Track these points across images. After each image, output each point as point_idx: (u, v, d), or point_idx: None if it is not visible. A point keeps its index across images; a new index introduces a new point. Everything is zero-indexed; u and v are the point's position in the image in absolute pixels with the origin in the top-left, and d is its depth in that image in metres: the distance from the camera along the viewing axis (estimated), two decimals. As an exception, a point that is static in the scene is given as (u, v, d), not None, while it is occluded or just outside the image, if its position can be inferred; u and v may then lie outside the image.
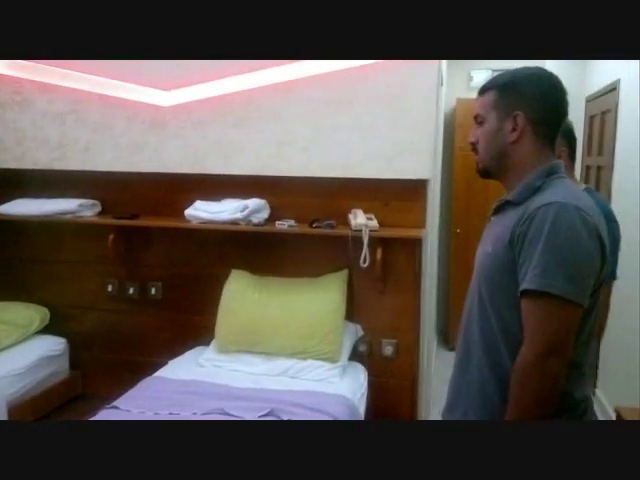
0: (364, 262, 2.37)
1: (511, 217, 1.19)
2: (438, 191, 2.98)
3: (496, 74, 1.31)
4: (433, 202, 2.69)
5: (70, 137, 2.70)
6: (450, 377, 1.35)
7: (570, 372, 1.12)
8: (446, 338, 4.34)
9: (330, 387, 2.26)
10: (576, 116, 3.95)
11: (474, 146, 1.31)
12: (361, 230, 2.35)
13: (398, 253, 2.51)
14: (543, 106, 1.23)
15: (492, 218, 1.32)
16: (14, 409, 2.42)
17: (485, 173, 1.31)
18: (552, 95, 1.24)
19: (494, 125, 1.25)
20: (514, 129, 1.23)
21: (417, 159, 2.42)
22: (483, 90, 1.29)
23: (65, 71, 2.66)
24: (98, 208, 2.74)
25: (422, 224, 2.51)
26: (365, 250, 2.35)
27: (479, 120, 1.29)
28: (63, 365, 2.81)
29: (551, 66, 3.52)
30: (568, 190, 1.18)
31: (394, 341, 2.57)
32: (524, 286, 1.11)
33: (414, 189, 2.49)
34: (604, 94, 3.59)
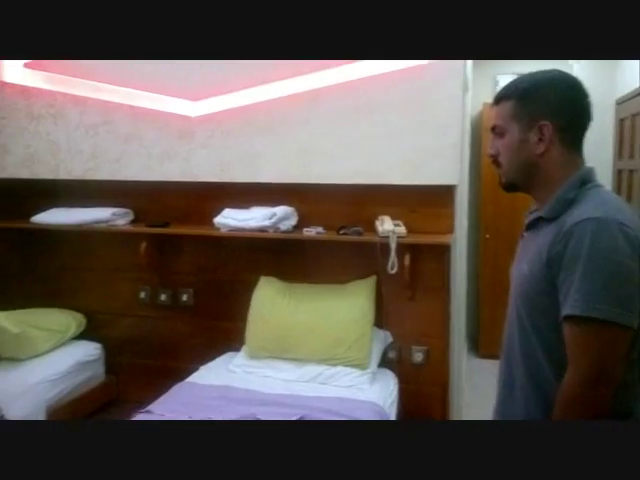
0: (392, 268, 2.37)
1: (546, 235, 1.12)
2: (466, 196, 2.96)
3: (512, 80, 1.22)
4: (461, 208, 2.67)
5: (102, 148, 2.77)
6: (495, 401, 1.30)
7: (624, 392, 1.07)
8: (476, 345, 4.30)
9: (360, 394, 2.27)
10: (606, 119, 3.89)
11: (495, 159, 1.23)
12: (388, 236, 2.35)
13: (426, 259, 2.50)
14: (569, 112, 1.16)
15: (525, 234, 1.25)
16: (53, 413, 2.50)
17: (511, 187, 1.23)
18: (576, 99, 1.17)
19: (517, 137, 1.17)
20: (541, 140, 1.15)
21: (444, 165, 2.42)
22: (499, 99, 1.21)
23: (97, 84, 2.73)
24: (131, 217, 2.80)
25: (450, 230, 2.50)
26: (393, 256, 2.35)
27: (498, 131, 1.21)
28: (99, 370, 2.88)
29: (580, 68, 3.48)
30: (605, 202, 1.11)
31: (424, 348, 2.57)
32: (566, 312, 1.06)
33: (442, 195, 2.48)
34: (635, 96, 3.52)
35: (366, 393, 2.29)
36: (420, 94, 2.41)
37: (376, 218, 2.48)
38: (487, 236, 4.19)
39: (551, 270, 1.09)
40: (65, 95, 2.77)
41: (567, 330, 1.07)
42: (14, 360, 2.55)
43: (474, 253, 4.28)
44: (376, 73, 2.42)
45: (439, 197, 2.48)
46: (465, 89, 2.42)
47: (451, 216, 2.51)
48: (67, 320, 2.85)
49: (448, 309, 2.56)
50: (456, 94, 2.39)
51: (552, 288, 1.09)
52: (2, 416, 2.13)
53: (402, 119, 2.43)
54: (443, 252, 2.49)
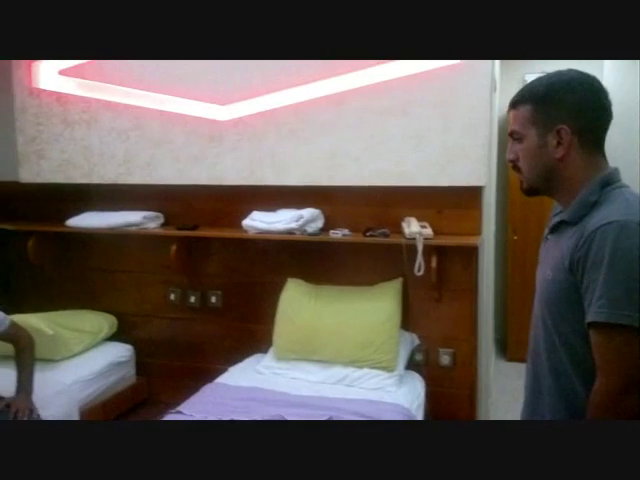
0: (418, 270, 2.36)
1: (568, 238, 1.12)
2: (494, 197, 2.93)
3: (527, 83, 1.21)
4: (489, 209, 2.65)
5: (133, 152, 2.83)
6: (521, 408, 1.29)
7: None
8: (504, 348, 4.25)
9: (387, 396, 2.27)
10: (634, 118, 3.81)
11: (514, 164, 1.22)
12: (415, 238, 2.35)
13: (454, 261, 2.49)
14: (587, 114, 1.13)
15: (549, 237, 1.24)
16: (86, 413, 2.55)
17: (532, 192, 1.22)
18: (595, 100, 1.14)
19: (535, 142, 1.16)
20: (559, 143, 1.13)
21: (471, 166, 2.40)
22: (516, 103, 1.20)
23: (128, 89, 2.80)
24: (161, 220, 2.86)
25: (478, 231, 2.49)
26: (419, 258, 2.35)
27: (516, 136, 1.20)
28: (130, 371, 2.94)
29: (609, 68, 3.41)
30: (629, 203, 1.08)
31: (451, 350, 2.55)
32: (591, 318, 1.05)
33: (469, 196, 2.47)
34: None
35: (393, 396, 2.28)
36: (447, 95, 2.40)
37: (402, 220, 2.48)
38: (515, 238, 4.13)
39: (574, 276, 1.08)
40: (98, 101, 2.84)
41: (593, 337, 1.06)
42: (49, 361, 2.61)
43: (502, 255, 4.22)
44: (403, 75, 2.42)
45: (466, 198, 2.47)
46: (493, 89, 2.40)
47: (479, 217, 2.49)
48: (99, 322, 2.92)
49: (476, 311, 2.54)
50: (484, 94, 2.38)
51: (576, 294, 1.08)
52: (38, 416, 2.19)
53: (429, 120, 2.43)
54: (471, 254, 2.48)
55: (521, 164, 1.21)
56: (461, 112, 2.39)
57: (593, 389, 1.06)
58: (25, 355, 2.28)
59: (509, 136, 1.23)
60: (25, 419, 2.11)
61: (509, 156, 1.23)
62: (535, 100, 1.16)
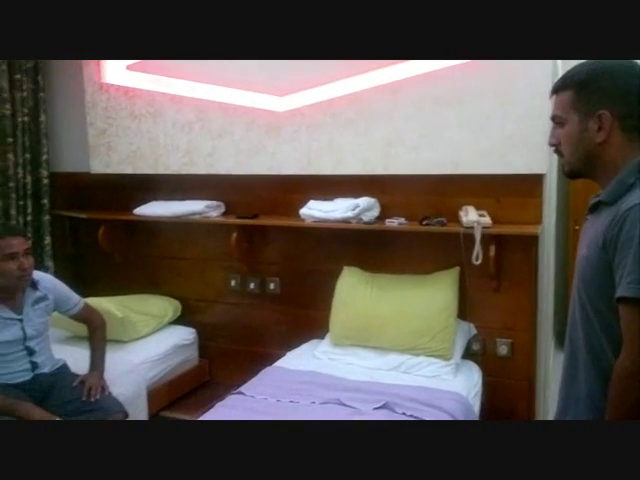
0: (476, 260, 2.35)
1: (604, 218, 1.16)
2: (555, 186, 2.86)
3: (569, 69, 1.24)
4: (550, 197, 2.59)
5: (196, 144, 2.93)
6: (559, 382, 1.33)
7: None
8: (563, 340, 4.14)
9: (443, 384, 2.28)
10: None
11: (556, 148, 1.26)
12: (473, 227, 2.33)
13: (513, 250, 2.46)
14: (628, 99, 1.16)
15: (588, 217, 1.27)
16: (152, 392, 2.68)
17: (574, 175, 1.27)
18: (636, 85, 1.16)
19: (577, 126, 1.20)
20: (600, 128, 1.17)
21: (532, 153, 2.36)
22: (558, 89, 1.23)
23: (191, 83, 2.90)
24: (222, 209, 2.95)
25: (538, 220, 2.44)
26: (477, 247, 2.33)
27: (558, 121, 1.23)
28: (193, 353, 3.06)
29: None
30: None
31: (509, 341, 2.53)
32: (620, 293, 1.09)
33: (529, 184, 2.42)
34: None
35: (449, 384, 2.29)
36: (505, 81, 2.36)
37: (460, 208, 2.47)
38: (576, 228, 3.99)
39: (607, 253, 1.13)
40: (163, 95, 2.95)
41: (621, 311, 1.11)
42: (118, 342, 2.76)
43: (562, 245, 4.10)
44: (459, 62, 2.40)
45: (526, 186, 2.42)
46: (554, 73, 2.34)
47: (539, 206, 2.44)
48: (165, 306, 3.06)
49: (535, 302, 2.50)
50: (545, 79, 2.32)
51: (609, 271, 1.13)
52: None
53: (488, 107, 2.39)
54: (530, 243, 2.44)
55: (563, 148, 1.24)
56: (520, 98, 2.34)
57: (617, 361, 1.11)
58: (98, 335, 2.43)
59: (551, 120, 1.26)
60: (97, 397, 2.24)
61: (551, 140, 1.27)
62: (577, 86, 1.19)
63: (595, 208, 1.23)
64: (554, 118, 1.24)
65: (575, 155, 1.22)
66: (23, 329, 2.21)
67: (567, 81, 1.21)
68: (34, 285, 2.26)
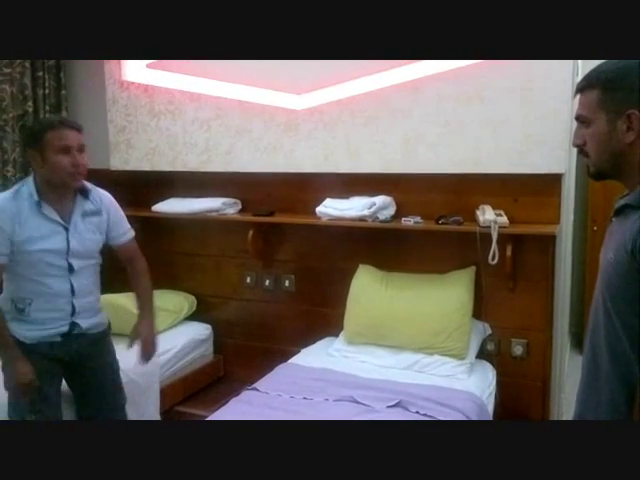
0: (493, 259, 2.34)
1: (632, 222, 1.12)
2: (573, 185, 2.83)
3: (594, 67, 1.20)
4: (568, 197, 2.57)
5: (214, 141, 2.96)
6: (578, 388, 1.30)
7: None
8: (580, 342, 4.10)
9: (458, 383, 2.27)
10: None
11: (581, 148, 1.22)
12: (489, 226, 2.32)
13: (530, 250, 2.44)
14: None
15: (613, 220, 1.23)
16: (167, 387, 2.71)
17: (600, 176, 1.23)
18: None
19: (604, 127, 1.16)
20: (629, 128, 1.13)
21: (551, 152, 2.34)
22: (583, 88, 1.19)
23: (210, 81, 2.92)
24: (239, 206, 2.97)
25: (556, 220, 2.42)
26: (494, 247, 2.32)
27: (583, 120, 1.19)
28: (208, 349, 3.09)
29: None
30: None
31: (524, 341, 2.51)
32: None
33: (547, 184, 2.40)
34: None
35: (464, 383, 2.29)
36: (526, 80, 2.34)
37: (477, 207, 2.46)
38: (595, 228, 3.95)
39: (635, 258, 1.09)
40: (182, 92, 2.98)
41: None
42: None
43: (580, 246, 4.06)
44: (479, 60, 2.39)
45: (545, 186, 2.41)
46: (575, 73, 2.32)
47: (557, 206, 2.42)
48: (181, 301, 3.09)
49: (551, 303, 2.49)
50: (565, 79, 2.30)
51: (637, 275, 1.09)
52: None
53: (506, 106, 2.38)
54: (548, 243, 2.42)
55: (588, 149, 1.20)
56: (541, 97, 2.33)
57: None
58: (145, 278, 2.16)
59: (576, 120, 1.23)
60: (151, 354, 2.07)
61: (576, 141, 1.23)
62: (604, 85, 1.15)
63: (621, 211, 1.19)
64: (579, 118, 1.21)
65: (602, 156, 1.18)
66: (67, 240, 1.92)
67: (593, 80, 1.18)
68: (86, 194, 1.99)
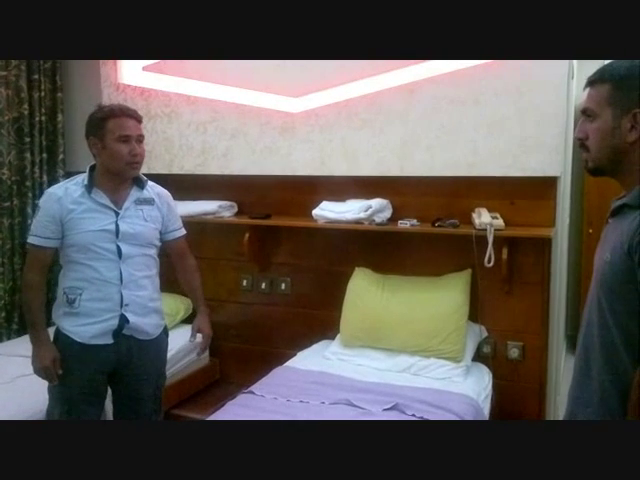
0: (488, 262, 2.35)
1: (629, 222, 1.12)
2: (568, 188, 2.85)
3: (608, 63, 1.20)
4: (564, 200, 2.58)
5: (210, 144, 2.95)
6: (569, 387, 1.31)
7: None
8: (575, 344, 4.10)
9: (454, 386, 2.27)
10: None
11: (582, 142, 1.22)
12: (485, 229, 2.33)
13: (525, 253, 2.45)
14: None
15: (610, 220, 1.24)
16: (164, 390, 2.70)
17: (597, 172, 1.23)
18: None
19: (609, 123, 1.16)
20: (633, 127, 1.13)
21: (547, 155, 2.35)
22: (594, 81, 1.19)
23: (206, 84, 2.92)
24: (235, 209, 2.97)
25: (552, 223, 2.43)
26: (490, 250, 2.33)
27: (589, 114, 1.19)
28: (204, 352, 3.08)
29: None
30: None
31: (520, 344, 2.52)
32: None
33: (543, 187, 2.42)
34: None
35: (460, 386, 2.29)
36: (521, 83, 2.35)
37: (473, 210, 2.47)
38: (590, 231, 3.97)
39: (632, 258, 1.09)
40: (178, 95, 2.98)
41: None
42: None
43: (575, 249, 4.08)
44: (475, 63, 2.40)
45: (540, 189, 2.42)
46: (570, 76, 2.33)
47: (552, 209, 2.44)
48: (177, 304, 3.07)
49: (547, 305, 2.49)
50: (561, 83, 2.32)
51: (633, 276, 1.09)
52: None
53: (502, 109, 2.39)
54: (543, 246, 2.43)
55: (590, 143, 1.21)
56: (536, 100, 2.34)
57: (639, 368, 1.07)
58: (198, 274, 2.24)
59: (582, 113, 1.23)
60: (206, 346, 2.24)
61: (578, 134, 1.23)
62: (615, 80, 1.16)
63: (619, 211, 1.19)
64: (585, 111, 1.21)
65: (602, 152, 1.19)
66: (116, 223, 1.92)
67: (605, 75, 1.17)
68: (141, 184, 2.00)
